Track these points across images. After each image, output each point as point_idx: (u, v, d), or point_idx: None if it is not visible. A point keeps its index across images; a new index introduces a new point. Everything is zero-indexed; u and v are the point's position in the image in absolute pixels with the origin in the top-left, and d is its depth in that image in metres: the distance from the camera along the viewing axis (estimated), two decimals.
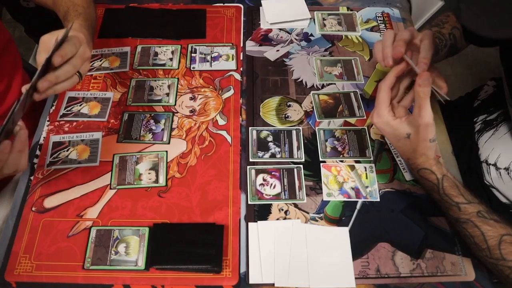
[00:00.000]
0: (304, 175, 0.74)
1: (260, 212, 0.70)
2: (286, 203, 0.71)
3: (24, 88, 0.55)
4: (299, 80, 0.87)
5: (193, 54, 0.90)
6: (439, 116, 0.83)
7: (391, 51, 0.65)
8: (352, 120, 0.81)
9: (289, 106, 0.83)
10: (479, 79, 0.99)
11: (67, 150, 0.75)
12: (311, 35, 0.95)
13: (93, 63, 0.87)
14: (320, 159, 0.76)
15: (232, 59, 0.89)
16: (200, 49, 0.91)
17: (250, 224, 0.69)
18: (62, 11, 0.76)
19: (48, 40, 0.60)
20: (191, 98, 0.83)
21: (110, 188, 0.72)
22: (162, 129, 0.79)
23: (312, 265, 0.65)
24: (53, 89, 0.59)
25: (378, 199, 0.72)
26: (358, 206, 0.71)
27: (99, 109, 0.81)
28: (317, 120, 0.81)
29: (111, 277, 0.64)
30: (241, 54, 0.91)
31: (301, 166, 0.75)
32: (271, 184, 0.73)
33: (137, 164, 0.74)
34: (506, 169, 0.75)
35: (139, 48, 0.90)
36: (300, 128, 0.80)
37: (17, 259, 0.65)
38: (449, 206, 0.62)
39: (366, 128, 0.80)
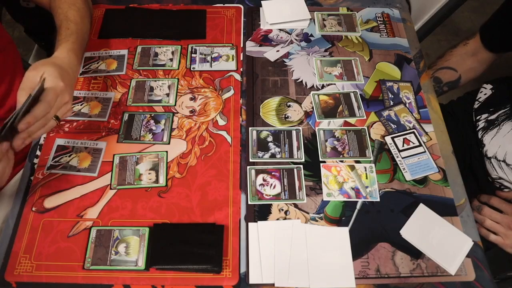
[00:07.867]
0: (304, 175, 0.74)
1: (260, 212, 0.70)
2: (286, 203, 0.71)
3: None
4: (299, 80, 0.87)
5: (193, 55, 0.90)
6: (439, 116, 0.83)
7: None
8: (352, 120, 0.81)
9: (289, 106, 0.83)
10: (477, 79, 0.99)
11: (69, 156, 0.75)
12: (311, 35, 0.95)
13: (90, 65, 0.87)
14: (320, 159, 0.76)
15: (232, 60, 0.89)
16: (200, 49, 0.91)
17: (250, 224, 0.69)
18: (57, 21, 0.77)
19: (32, 77, 0.60)
20: (191, 99, 0.83)
21: (110, 188, 0.72)
22: (162, 130, 0.79)
23: (312, 265, 0.65)
24: (28, 140, 0.60)
25: (378, 199, 0.72)
26: (358, 206, 0.71)
27: (100, 109, 0.81)
28: (317, 120, 0.81)
29: (111, 277, 0.64)
30: (241, 54, 0.91)
31: (301, 166, 0.75)
32: (271, 184, 0.73)
33: (137, 164, 0.74)
34: None
35: (139, 49, 0.90)
36: (300, 128, 0.80)
37: (17, 259, 0.65)
38: None
39: (366, 128, 0.80)
